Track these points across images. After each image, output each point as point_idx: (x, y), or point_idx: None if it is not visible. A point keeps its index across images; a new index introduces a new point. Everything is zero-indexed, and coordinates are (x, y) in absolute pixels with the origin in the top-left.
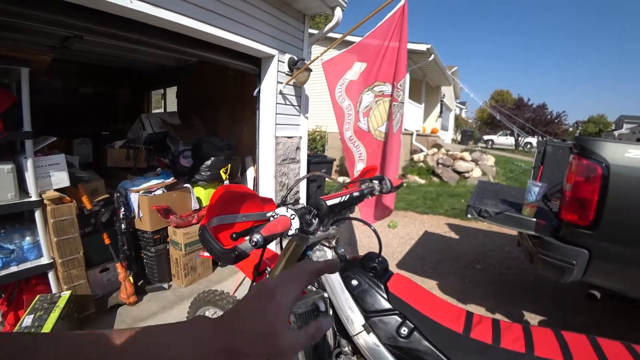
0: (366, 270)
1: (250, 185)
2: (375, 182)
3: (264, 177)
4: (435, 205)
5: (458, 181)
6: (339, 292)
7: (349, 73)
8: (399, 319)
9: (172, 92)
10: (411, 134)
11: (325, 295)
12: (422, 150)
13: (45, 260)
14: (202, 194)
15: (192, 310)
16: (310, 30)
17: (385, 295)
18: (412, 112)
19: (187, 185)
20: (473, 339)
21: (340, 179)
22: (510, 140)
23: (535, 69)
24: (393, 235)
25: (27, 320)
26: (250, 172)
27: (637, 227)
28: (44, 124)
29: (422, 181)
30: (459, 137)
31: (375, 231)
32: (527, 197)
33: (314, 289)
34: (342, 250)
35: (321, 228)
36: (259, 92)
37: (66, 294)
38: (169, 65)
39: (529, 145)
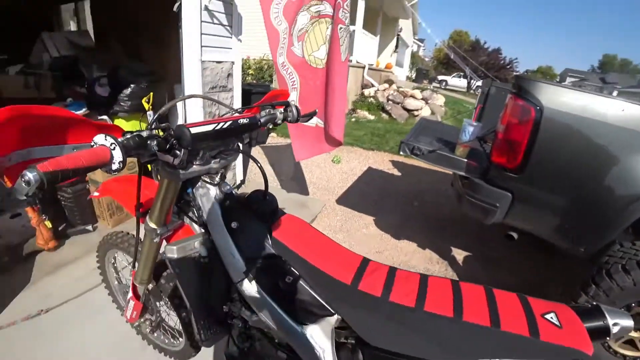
0: (251, 210)
1: (180, 115)
2: (279, 109)
3: (191, 107)
4: (381, 142)
5: (407, 119)
6: (219, 234)
7: None
8: (282, 267)
9: (86, 8)
10: (363, 67)
11: (211, 238)
12: (373, 85)
13: None
14: (125, 126)
15: (100, 254)
16: None
17: (269, 241)
18: (365, 44)
19: (104, 117)
20: (360, 291)
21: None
22: (463, 83)
23: (497, 10)
24: (336, 170)
25: None
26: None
27: (558, 174)
28: None
29: (371, 117)
30: (414, 75)
31: (260, 168)
32: (461, 136)
33: (200, 230)
34: (228, 187)
35: (197, 162)
36: (180, 6)
37: None
38: None
39: (479, 89)
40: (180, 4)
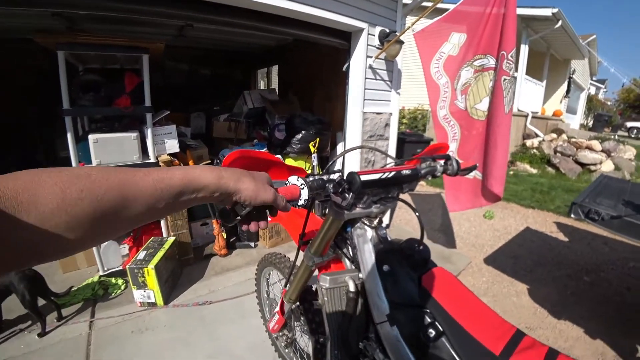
0: (403, 257)
1: (339, 161)
2: (440, 161)
3: (350, 153)
4: (545, 199)
5: (580, 174)
6: (370, 274)
7: (446, 46)
8: (429, 319)
9: (275, 71)
10: (525, 116)
11: (360, 275)
12: (537, 135)
13: None
14: (293, 165)
15: (259, 268)
16: (405, 0)
17: (417, 290)
18: (528, 90)
19: (279, 156)
20: None
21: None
22: None
23: None
24: (487, 226)
25: (141, 254)
26: (339, 147)
27: None
28: (169, 101)
29: (534, 171)
30: (590, 123)
31: (419, 217)
32: None
33: (353, 267)
34: (384, 232)
35: (360, 205)
36: (348, 67)
37: (171, 239)
38: (270, 45)
39: None
40: (349, 65)
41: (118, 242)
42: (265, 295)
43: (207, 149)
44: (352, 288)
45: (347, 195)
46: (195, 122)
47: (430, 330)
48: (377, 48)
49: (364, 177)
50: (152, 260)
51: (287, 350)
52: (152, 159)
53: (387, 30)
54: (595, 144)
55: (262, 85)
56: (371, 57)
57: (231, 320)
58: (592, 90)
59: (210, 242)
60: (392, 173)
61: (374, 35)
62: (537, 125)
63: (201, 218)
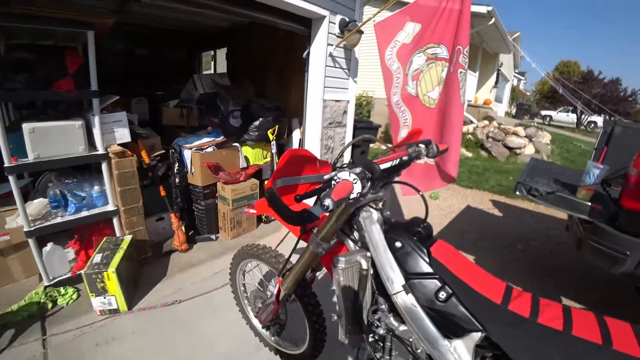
0: (411, 234)
1: (295, 147)
2: (422, 146)
3: (310, 140)
4: (480, 180)
5: (508, 157)
6: (381, 252)
7: (400, 34)
8: (439, 284)
9: (221, 54)
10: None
11: (368, 254)
12: (471, 122)
13: (111, 207)
14: (250, 153)
15: (235, 262)
16: None
17: (427, 259)
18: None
19: (236, 144)
20: (510, 310)
21: (384, 147)
22: (571, 118)
23: (613, 38)
24: (434, 206)
25: (96, 258)
26: (296, 134)
27: None
28: (104, 84)
29: (469, 154)
30: (513, 111)
31: (423, 196)
32: (584, 179)
33: (357, 247)
34: (388, 213)
35: (371, 190)
36: (308, 54)
37: (128, 238)
38: (222, 26)
39: (592, 125)
40: (309, 52)
41: (62, 246)
42: (242, 288)
43: (159, 137)
44: (364, 266)
45: (366, 183)
46: (137, 108)
47: (442, 293)
48: (337, 36)
49: (382, 166)
50: (111, 263)
51: (274, 338)
52: (100, 150)
53: (347, 19)
54: (520, 130)
55: (210, 69)
56: (332, 45)
57: (206, 317)
58: (515, 82)
59: (168, 238)
60: (398, 160)
61: (335, 24)
62: (472, 112)
63: (156, 213)
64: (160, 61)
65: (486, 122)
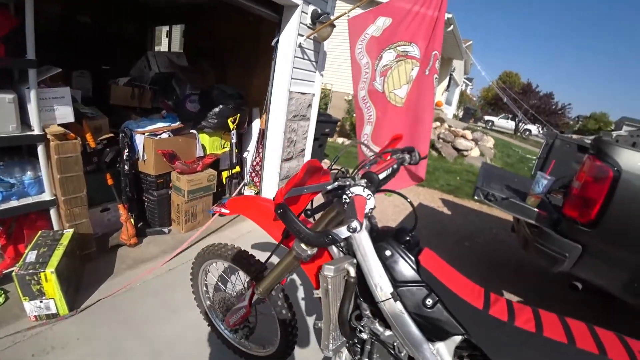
0: (399, 242)
1: (254, 137)
2: (406, 153)
3: (273, 132)
4: (431, 179)
5: (456, 158)
6: (370, 260)
7: (370, 28)
8: (426, 291)
9: (177, 30)
10: None
11: (354, 261)
12: None
13: (47, 197)
14: (207, 142)
15: (197, 262)
16: None
17: (415, 267)
18: None
19: (193, 131)
20: (491, 315)
21: (347, 142)
22: (510, 124)
23: (550, 56)
24: (389, 203)
25: (30, 256)
26: (256, 124)
27: (633, 233)
28: (39, 53)
29: None
30: (460, 114)
31: (412, 204)
32: (534, 187)
33: (342, 254)
34: (375, 220)
35: None
36: (277, 42)
37: (69, 232)
38: (181, 0)
39: (527, 132)
40: (279, 40)
41: None
42: (204, 289)
43: (107, 119)
44: (352, 273)
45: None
46: (78, 83)
47: (429, 299)
48: (309, 27)
49: (380, 175)
50: (49, 261)
51: (242, 341)
52: (36, 131)
53: (320, 10)
54: (468, 134)
55: (161, 47)
56: (302, 35)
57: (163, 318)
58: (463, 86)
59: (114, 231)
60: (390, 169)
61: (307, 14)
62: None
63: (101, 203)
64: (107, 32)
65: (438, 123)
